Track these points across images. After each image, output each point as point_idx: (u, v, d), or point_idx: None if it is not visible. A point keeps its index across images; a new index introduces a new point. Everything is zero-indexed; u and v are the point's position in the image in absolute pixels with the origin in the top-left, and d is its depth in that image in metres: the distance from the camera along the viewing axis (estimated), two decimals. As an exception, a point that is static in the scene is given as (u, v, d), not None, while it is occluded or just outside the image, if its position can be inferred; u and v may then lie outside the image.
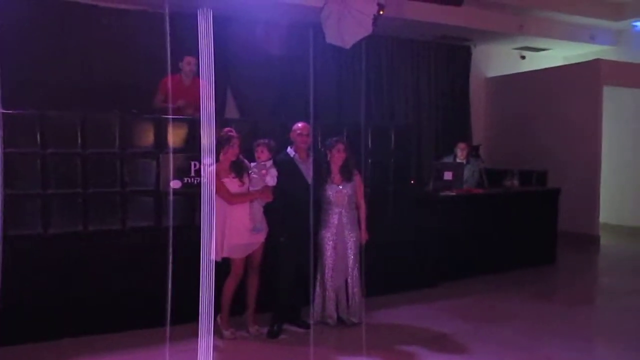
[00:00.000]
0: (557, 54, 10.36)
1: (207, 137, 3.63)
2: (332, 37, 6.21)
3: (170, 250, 3.18)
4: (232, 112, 7.55)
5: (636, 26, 9.54)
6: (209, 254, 3.55)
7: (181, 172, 4.63)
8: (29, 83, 5.82)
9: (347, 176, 4.50)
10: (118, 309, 4.44)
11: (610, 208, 8.94)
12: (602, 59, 8.68)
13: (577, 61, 9.57)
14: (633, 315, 5.17)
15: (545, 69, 9.51)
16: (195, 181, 4.68)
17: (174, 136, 4.65)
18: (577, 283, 6.45)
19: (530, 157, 8.73)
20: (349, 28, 6.26)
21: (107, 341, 4.25)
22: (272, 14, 7.24)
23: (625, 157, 9.16)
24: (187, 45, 4.30)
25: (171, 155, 4.51)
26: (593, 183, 8.38)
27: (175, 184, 4.63)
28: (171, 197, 4.20)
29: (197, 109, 5.35)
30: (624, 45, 9.73)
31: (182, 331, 4.12)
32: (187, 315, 4.26)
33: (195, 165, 4.67)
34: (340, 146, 4.47)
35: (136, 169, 4.55)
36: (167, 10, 3.29)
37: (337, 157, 4.48)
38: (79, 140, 4.35)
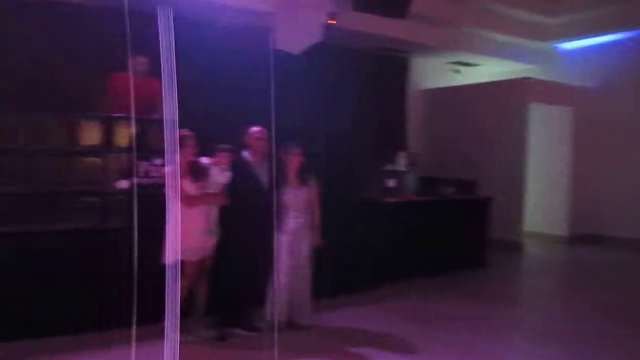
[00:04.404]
0: (487, 70, 10.99)
1: (169, 139, 3.56)
2: (282, 42, 6.28)
3: (135, 251, 3.09)
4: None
5: (558, 47, 10.34)
6: (176, 256, 3.48)
7: (130, 172, 4.50)
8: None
9: (303, 181, 4.55)
10: (62, 312, 4.24)
11: (534, 217, 9.57)
12: (530, 78, 9.31)
13: (504, 78, 10.21)
14: (553, 314, 5.69)
15: (478, 84, 10.06)
16: (145, 182, 4.56)
17: (124, 136, 4.51)
18: (507, 285, 6.89)
19: (461, 166, 9.18)
20: (298, 34, 6.36)
21: (49, 345, 4.06)
22: (222, 17, 7.18)
23: (548, 171, 9.83)
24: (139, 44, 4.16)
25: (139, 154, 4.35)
26: (519, 194, 8.95)
27: (123, 184, 4.49)
28: (135, 196, 4.03)
29: (147, 108, 5.25)
30: (546, 65, 10.48)
31: (126, 335, 4.00)
32: (131, 318, 4.16)
33: (144, 165, 4.55)
34: (297, 151, 4.52)
35: (82, 168, 4.37)
36: (126, 7, 3.19)
37: (293, 161, 4.51)
38: (22, 137, 4.13)
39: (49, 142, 4.46)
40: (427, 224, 6.70)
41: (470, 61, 10.44)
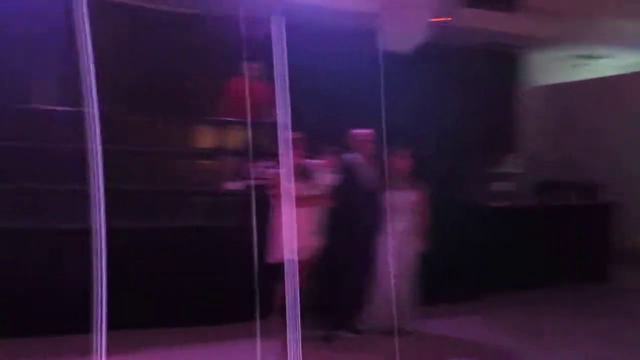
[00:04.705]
0: (614, 63, 10.02)
1: (281, 141, 3.65)
2: (389, 42, 6.20)
3: (255, 249, 3.20)
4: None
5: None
6: (285, 255, 3.56)
7: (243, 174, 4.68)
8: (106, 84, 5.92)
9: (410, 183, 4.49)
10: (177, 304, 4.51)
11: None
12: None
13: (634, 70, 9.26)
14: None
15: (603, 78, 9.25)
16: (255, 183, 4.71)
17: (237, 139, 4.70)
18: (630, 302, 6.17)
19: (581, 169, 8.47)
20: (406, 34, 6.26)
21: (166, 335, 4.30)
22: (330, 21, 7.27)
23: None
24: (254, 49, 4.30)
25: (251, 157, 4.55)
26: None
27: (236, 185, 4.68)
28: (253, 197, 4.17)
29: (260, 112, 5.43)
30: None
31: (235, 330, 4.12)
32: (237, 315, 4.30)
33: (255, 167, 4.71)
34: (405, 153, 4.48)
35: (197, 169, 4.62)
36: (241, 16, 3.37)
37: (401, 163, 4.47)
38: (145, 140, 4.46)
39: (169, 144, 4.75)
40: (540, 230, 6.29)
41: (595, 54, 9.61)
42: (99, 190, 2.29)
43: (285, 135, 3.34)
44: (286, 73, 3.25)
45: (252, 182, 4.40)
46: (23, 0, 4.61)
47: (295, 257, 3.56)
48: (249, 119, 4.10)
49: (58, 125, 4.05)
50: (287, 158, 3.95)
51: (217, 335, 4.34)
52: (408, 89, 8.34)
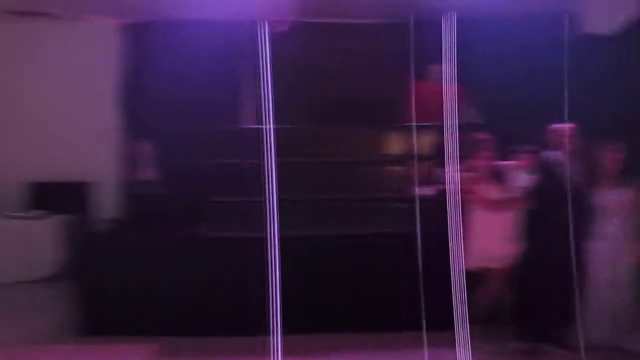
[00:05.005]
0: None
1: (452, 143, 3.58)
2: (590, 24, 5.64)
3: (420, 257, 3.18)
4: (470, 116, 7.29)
5: None
6: (459, 263, 3.48)
7: (433, 178, 4.65)
8: (287, 100, 6.48)
9: (622, 181, 4.06)
10: (354, 309, 4.56)
11: None
12: None
13: None
14: None
15: None
16: (443, 188, 4.64)
17: (424, 143, 4.70)
18: None
19: None
20: (611, 12, 5.65)
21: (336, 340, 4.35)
22: (513, 9, 6.83)
23: None
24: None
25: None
26: None
27: (425, 191, 4.65)
28: (417, 203, 4.15)
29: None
30: None
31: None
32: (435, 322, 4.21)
33: (448, 171, 4.63)
34: (615, 147, 4.06)
35: (387, 176, 4.72)
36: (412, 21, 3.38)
37: (610, 159, 4.07)
38: (337, 150, 4.71)
39: (355, 153, 4.94)
40: None
41: None
42: (272, 201, 2.51)
43: (454, 136, 3.27)
44: (455, 71, 3.16)
45: (420, 189, 4.33)
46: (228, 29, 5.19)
47: (463, 266, 3.42)
48: (413, 122, 4.07)
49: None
50: (472, 160, 3.82)
51: (392, 343, 4.24)
52: (617, 75, 7.36)
